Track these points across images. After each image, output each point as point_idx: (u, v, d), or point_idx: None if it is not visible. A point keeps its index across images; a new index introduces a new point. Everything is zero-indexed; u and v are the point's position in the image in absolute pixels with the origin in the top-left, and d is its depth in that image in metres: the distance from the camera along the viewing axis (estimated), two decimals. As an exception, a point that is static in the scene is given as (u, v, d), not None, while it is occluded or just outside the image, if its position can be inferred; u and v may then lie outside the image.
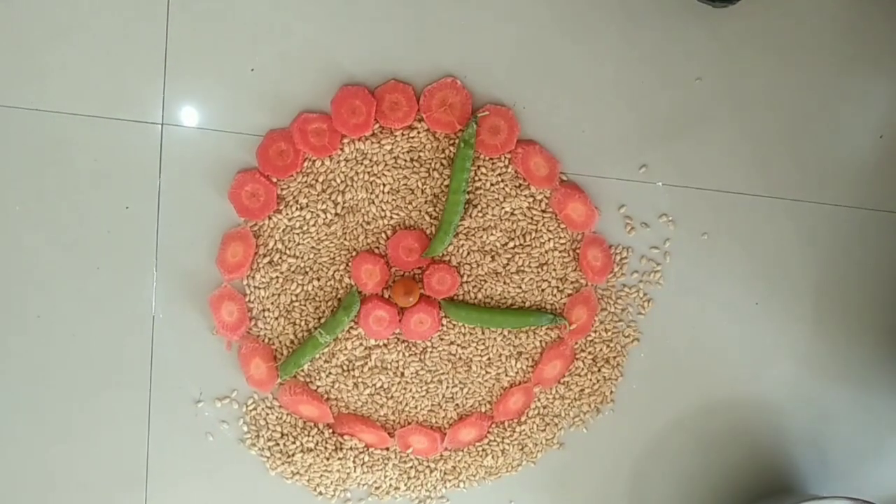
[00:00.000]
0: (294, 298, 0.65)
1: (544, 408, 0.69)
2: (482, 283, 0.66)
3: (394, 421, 0.68)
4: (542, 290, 0.66)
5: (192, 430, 0.67)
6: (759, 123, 0.66)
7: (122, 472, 0.66)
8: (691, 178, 0.67)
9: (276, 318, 0.65)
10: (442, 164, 0.64)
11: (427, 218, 0.64)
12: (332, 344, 0.66)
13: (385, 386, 0.67)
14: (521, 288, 0.66)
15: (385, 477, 0.69)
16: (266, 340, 0.66)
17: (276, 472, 0.68)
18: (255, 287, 0.65)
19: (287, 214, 0.63)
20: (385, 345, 0.66)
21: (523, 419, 0.69)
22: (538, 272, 0.66)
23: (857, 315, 0.69)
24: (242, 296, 0.64)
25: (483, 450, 0.69)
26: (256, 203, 0.63)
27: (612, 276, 0.67)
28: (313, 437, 0.67)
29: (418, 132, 0.63)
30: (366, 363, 0.66)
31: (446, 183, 0.64)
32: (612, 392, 0.69)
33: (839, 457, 0.71)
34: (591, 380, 0.69)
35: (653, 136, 0.66)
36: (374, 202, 0.64)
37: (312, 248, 0.64)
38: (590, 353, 0.69)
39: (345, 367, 0.66)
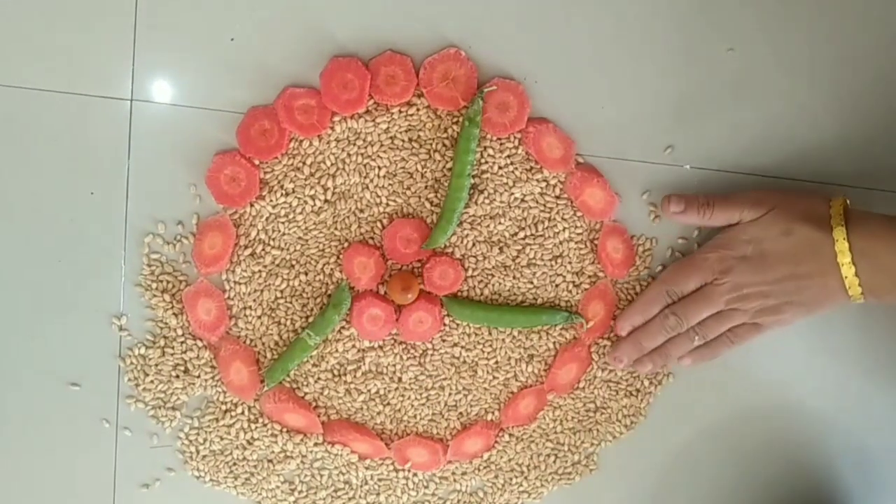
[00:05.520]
0: (279, 295, 0.61)
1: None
2: (489, 277, 0.62)
3: (391, 431, 0.64)
4: (556, 286, 0.63)
5: (167, 440, 0.63)
6: (798, 99, 0.63)
7: (86, 490, 0.63)
8: (722, 161, 0.63)
9: (259, 317, 0.62)
10: (444, 145, 0.60)
11: (427, 205, 0.61)
12: (321, 346, 0.62)
13: (381, 393, 0.64)
14: (532, 283, 0.63)
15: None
16: (248, 342, 0.62)
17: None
18: (235, 282, 0.61)
19: (271, 201, 0.60)
20: (380, 347, 0.63)
21: (534, 426, 0.66)
22: (551, 265, 0.63)
23: (907, 313, 0.66)
24: (221, 292, 0.61)
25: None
26: (237, 188, 0.59)
27: (635, 270, 0.64)
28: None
29: (418, 109, 0.60)
30: (359, 367, 0.63)
31: (449, 166, 0.60)
32: (633, 399, 0.67)
33: (888, 471, 0.68)
34: (610, 385, 0.66)
35: (679, 113, 0.62)
36: (368, 187, 0.60)
37: (299, 238, 0.61)
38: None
39: (335, 372, 0.63)
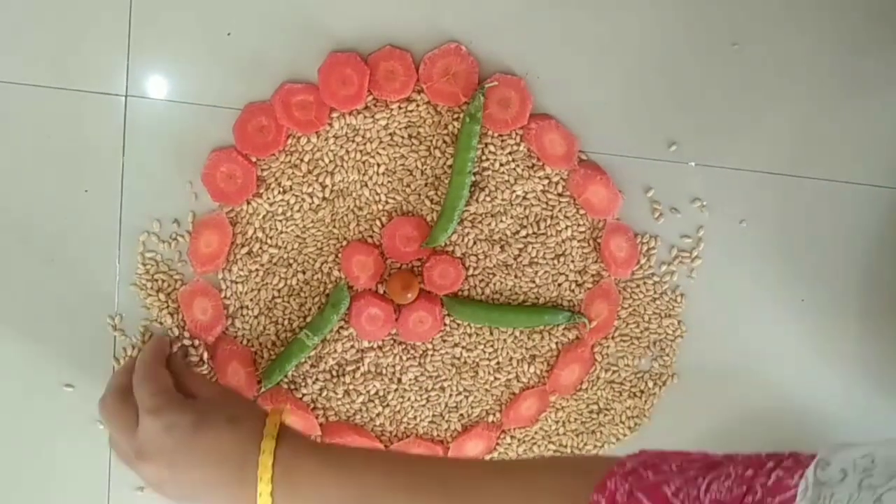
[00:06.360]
0: (276, 294, 0.61)
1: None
2: (490, 276, 0.62)
3: (390, 433, 0.64)
4: (559, 285, 0.62)
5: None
6: (804, 95, 0.62)
7: (80, 493, 0.63)
8: (727, 158, 0.62)
9: (256, 317, 0.61)
10: (444, 142, 0.60)
11: (427, 203, 0.60)
12: (319, 346, 0.61)
13: (380, 394, 0.63)
14: (534, 282, 0.62)
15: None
16: (245, 342, 0.61)
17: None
18: (231, 281, 0.60)
19: (268, 199, 0.59)
20: (380, 347, 0.62)
21: (537, 428, 0.65)
22: (554, 264, 0.62)
23: (917, 313, 0.66)
24: (217, 291, 0.60)
25: (491, 465, 0.65)
26: (233, 186, 0.59)
27: (639, 269, 0.63)
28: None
29: (417, 105, 0.59)
30: (358, 368, 0.62)
31: (449, 163, 0.60)
32: (637, 400, 0.66)
33: None
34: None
35: (684, 109, 0.61)
36: (367, 185, 0.60)
37: (297, 236, 0.60)
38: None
39: (334, 373, 0.62)
